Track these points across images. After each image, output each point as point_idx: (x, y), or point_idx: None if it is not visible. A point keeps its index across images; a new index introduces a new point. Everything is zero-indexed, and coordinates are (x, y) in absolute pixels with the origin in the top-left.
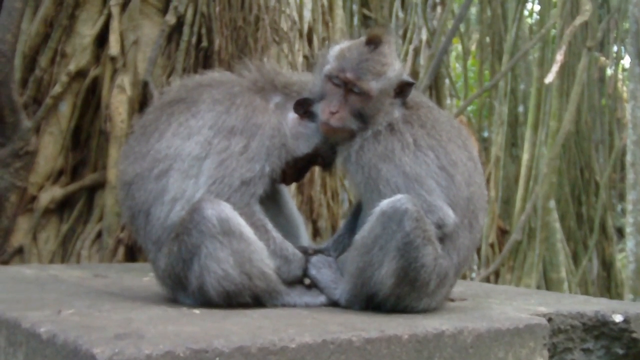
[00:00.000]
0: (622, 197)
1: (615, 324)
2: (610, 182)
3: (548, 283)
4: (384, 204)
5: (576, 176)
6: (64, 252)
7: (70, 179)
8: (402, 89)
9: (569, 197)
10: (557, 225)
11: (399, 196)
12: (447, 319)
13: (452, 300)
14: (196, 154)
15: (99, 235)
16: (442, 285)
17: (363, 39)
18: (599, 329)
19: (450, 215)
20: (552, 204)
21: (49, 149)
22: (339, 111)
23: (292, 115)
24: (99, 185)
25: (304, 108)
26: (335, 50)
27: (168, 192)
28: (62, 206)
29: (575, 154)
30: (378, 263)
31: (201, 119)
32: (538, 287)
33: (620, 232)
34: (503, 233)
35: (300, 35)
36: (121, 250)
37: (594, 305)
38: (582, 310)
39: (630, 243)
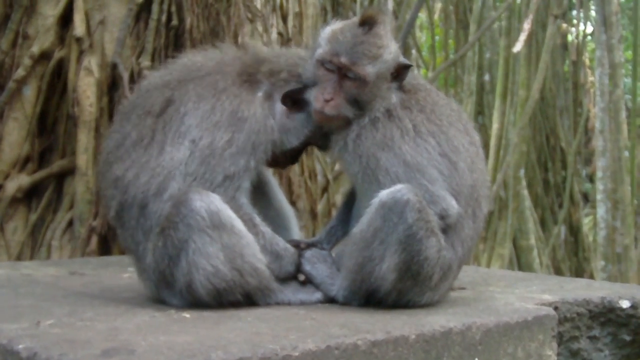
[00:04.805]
0: (586, 163)
1: (622, 310)
2: (576, 148)
3: (518, 251)
4: (384, 194)
5: (542, 143)
6: (34, 243)
7: (38, 166)
8: (399, 72)
9: (536, 164)
10: (525, 192)
11: (399, 186)
12: (452, 314)
13: (452, 289)
14: (187, 156)
15: (70, 224)
16: (445, 278)
17: (356, 19)
18: (605, 315)
19: (453, 206)
20: (521, 172)
21: (14, 136)
22: (334, 98)
23: (279, 107)
24: (69, 172)
25: (292, 99)
26: (326, 32)
27: (167, 192)
28: (30, 195)
29: (540, 121)
30: (379, 257)
31: (188, 119)
32: (510, 257)
33: (586, 197)
34: None
35: (274, 9)
36: (94, 240)
37: (598, 291)
38: (588, 297)
39: (600, 210)
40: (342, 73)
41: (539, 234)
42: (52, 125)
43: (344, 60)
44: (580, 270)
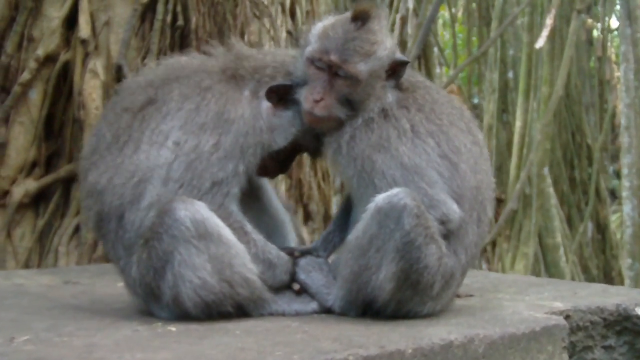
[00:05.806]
0: (613, 159)
1: (639, 317)
2: (602, 144)
3: (544, 249)
4: (380, 199)
5: (568, 140)
6: (41, 249)
7: (45, 171)
8: (394, 70)
9: (561, 161)
10: (551, 190)
11: (395, 190)
12: (454, 325)
13: (458, 296)
14: (170, 159)
15: (77, 229)
16: (447, 287)
17: (348, 15)
18: (620, 323)
19: (454, 210)
20: (545, 170)
21: (20, 140)
22: (324, 98)
23: (265, 105)
24: (75, 177)
25: (278, 95)
26: (317, 28)
27: (145, 199)
28: (37, 200)
29: (565, 118)
30: (375, 266)
31: (171, 120)
32: (535, 255)
33: (613, 194)
34: (498, 202)
35: (283, 9)
36: (101, 246)
37: (613, 297)
38: (601, 304)
39: (627, 207)
40: (333, 71)
41: (565, 232)
42: (58, 129)
43: (333, 58)
44: (608, 268)
